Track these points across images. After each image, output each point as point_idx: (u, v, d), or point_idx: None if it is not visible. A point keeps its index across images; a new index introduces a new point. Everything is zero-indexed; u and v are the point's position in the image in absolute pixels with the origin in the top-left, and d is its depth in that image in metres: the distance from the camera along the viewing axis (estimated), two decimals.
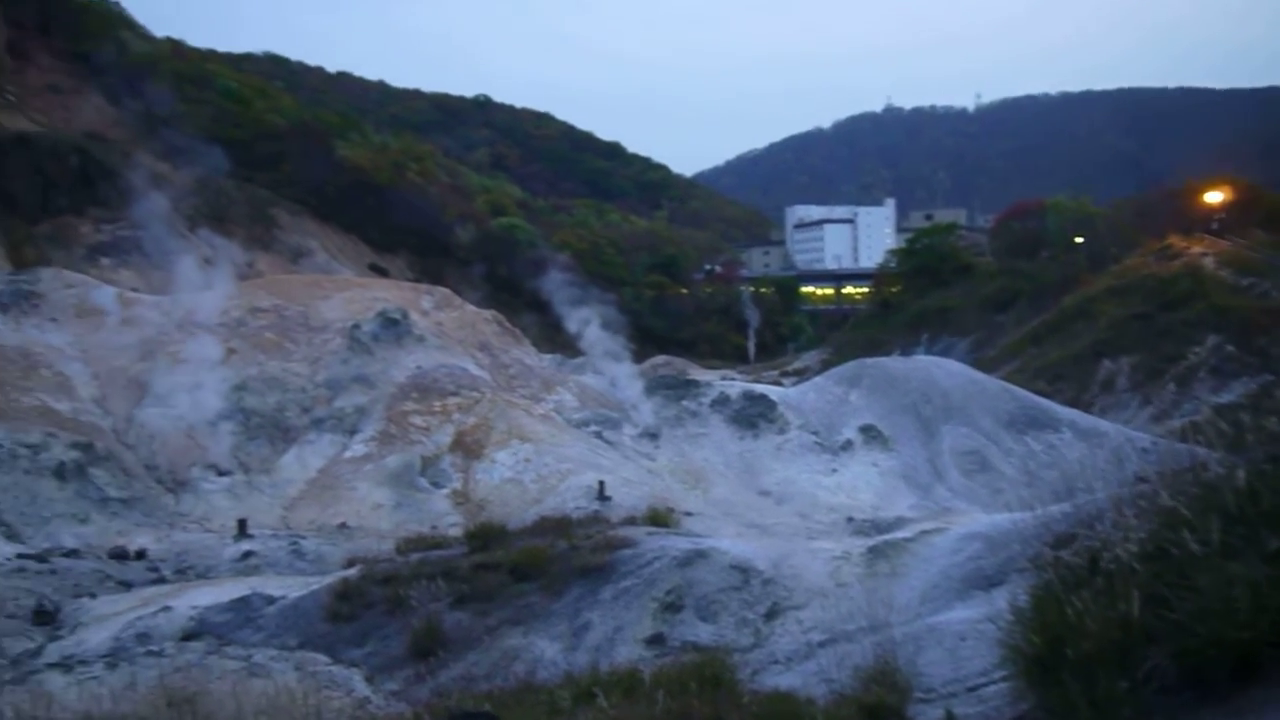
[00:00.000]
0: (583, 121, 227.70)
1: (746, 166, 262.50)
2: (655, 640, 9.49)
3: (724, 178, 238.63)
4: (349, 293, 31.80)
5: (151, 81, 64.32)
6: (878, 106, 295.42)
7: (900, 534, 11.09)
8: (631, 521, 13.52)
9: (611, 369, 32.80)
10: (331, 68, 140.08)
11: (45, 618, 12.51)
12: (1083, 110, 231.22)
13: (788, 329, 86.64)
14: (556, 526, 12.85)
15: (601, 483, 21.76)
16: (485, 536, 12.27)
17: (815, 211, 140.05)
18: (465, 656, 9.53)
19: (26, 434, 20.94)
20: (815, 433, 28.32)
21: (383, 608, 10.57)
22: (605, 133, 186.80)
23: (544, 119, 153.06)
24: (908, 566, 9.65)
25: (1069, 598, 4.00)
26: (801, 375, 52.71)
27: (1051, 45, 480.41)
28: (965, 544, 9.46)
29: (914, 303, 66.33)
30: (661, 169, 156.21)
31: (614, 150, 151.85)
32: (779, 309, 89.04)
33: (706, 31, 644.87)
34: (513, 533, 12.78)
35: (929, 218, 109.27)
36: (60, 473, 20.33)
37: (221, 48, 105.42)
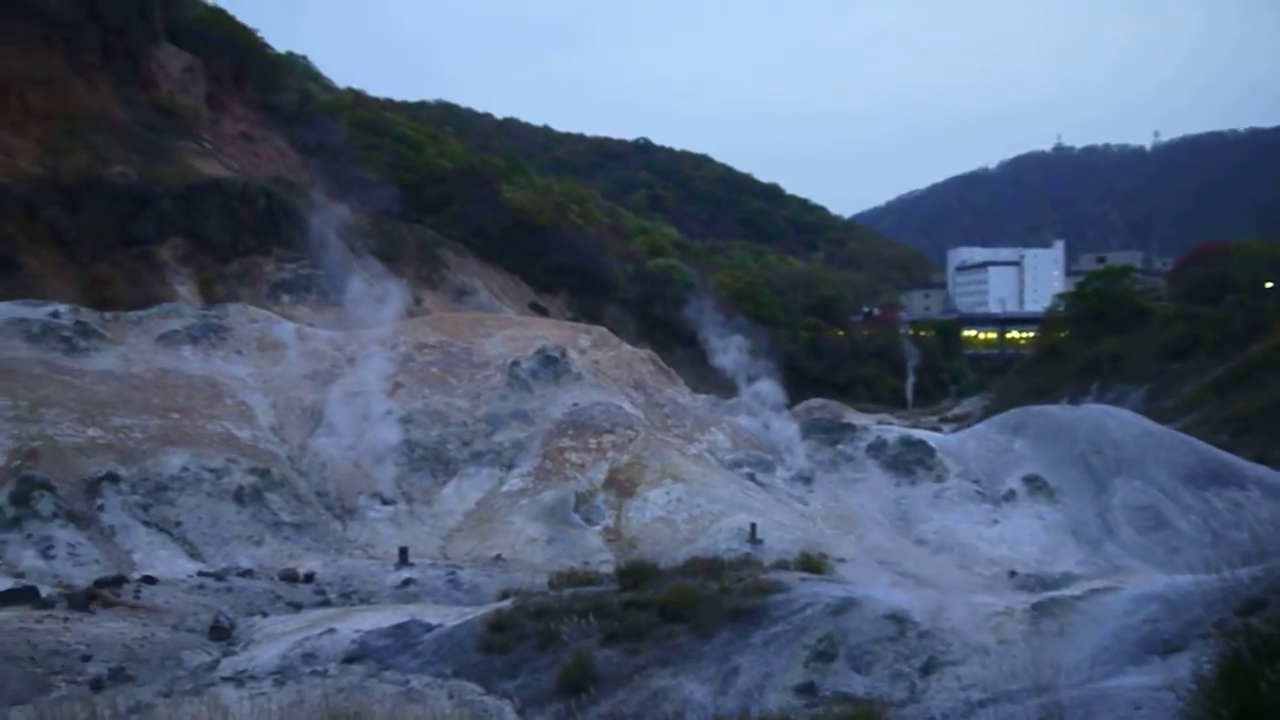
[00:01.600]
0: (741, 163, 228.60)
1: (908, 207, 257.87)
2: (806, 689, 9.28)
3: (884, 219, 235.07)
4: (510, 331, 32.67)
5: (333, 128, 68.24)
6: (1047, 145, 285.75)
7: (1068, 591, 10.55)
8: (783, 566, 13.33)
9: (765, 411, 32.56)
10: (499, 114, 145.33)
11: (221, 633, 13.19)
12: (1274, 148, 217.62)
13: (948, 374, 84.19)
14: (707, 568, 12.76)
15: (753, 525, 21.55)
16: (636, 575, 12.30)
17: (979, 253, 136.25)
18: (614, 694, 9.54)
19: (210, 459, 22.29)
20: (976, 481, 27.36)
21: (535, 641, 10.70)
22: (763, 174, 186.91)
23: (702, 161, 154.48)
24: (1076, 626, 9.15)
25: (1262, 670, 3.70)
26: (962, 422, 51.09)
27: (1239, 79, 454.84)
28: (1140, 605, 8.92)
29: (1084, 349, 63.40)
30: (819, 210, 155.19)
31: (772, 191, 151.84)
32: (939, 353, 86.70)
33: (869, 71, 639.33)
34: (664, 572, 12.76)
35: (1101, 260, 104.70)
36: (239, 496, 21.53)
37: (398, 96, 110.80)
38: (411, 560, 19.19)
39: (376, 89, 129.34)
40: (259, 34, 75.16)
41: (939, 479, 27.59)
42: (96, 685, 10.34)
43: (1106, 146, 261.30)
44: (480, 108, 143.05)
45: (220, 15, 72.53)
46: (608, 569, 16.45)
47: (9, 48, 52.13)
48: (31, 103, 51.50)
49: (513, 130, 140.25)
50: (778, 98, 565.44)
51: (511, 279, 71.05)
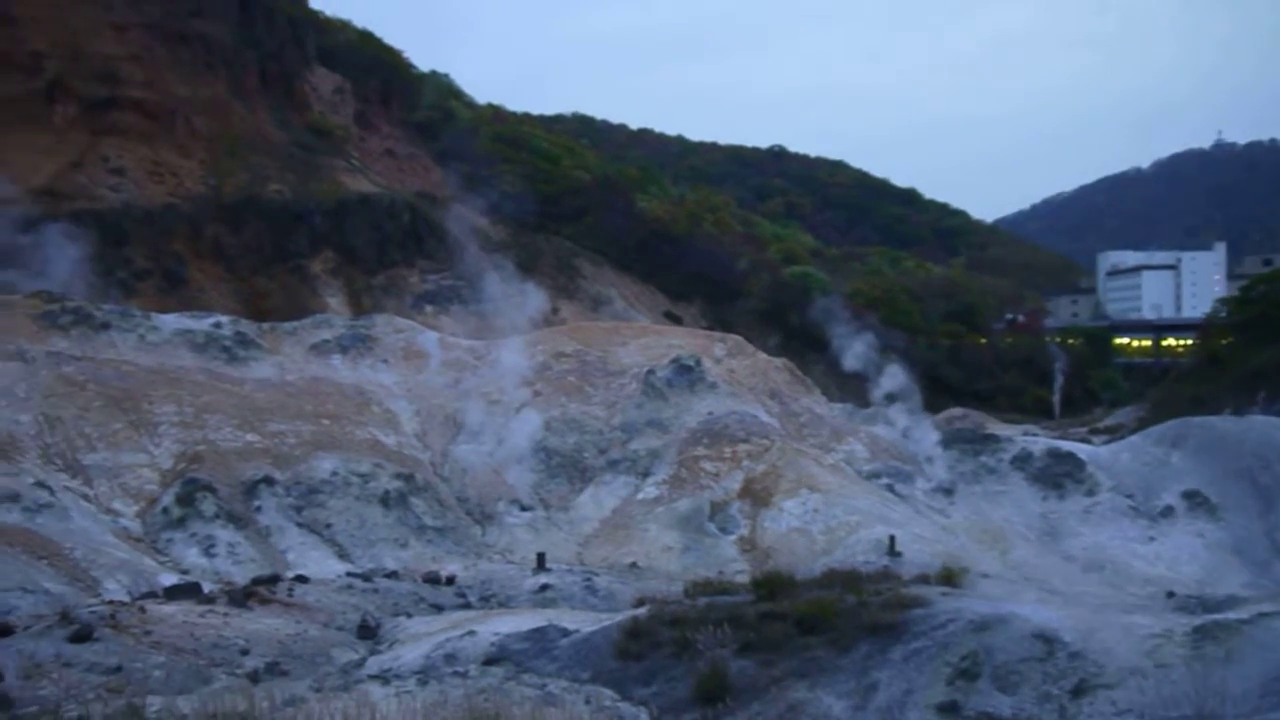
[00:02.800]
0: (877, 168, 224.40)
1: (1054, 210, 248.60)
2: (948, 708, 9.01)
3: (1028, 222, 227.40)
4: (645, 339, 32.88)
5: (474, 143, 70.17)
6: (1206, 142, 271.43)
7: (1234, 614, 9.94)
8: (924, 580, 12.97)
9: (904, 420, 31.86)
10: (634, 125, 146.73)
11: (368, 632, 13.66)
12: None
13: (1098, 383, 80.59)
14: (845, 580, 12.54)
15: (892, 537, 21.11)
16: (772, 585, 12.17)
17: (1131, 257, 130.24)
18: (750, 705, 9.46)
19: (358, 464, 23.15)
20: (1130, 496, 26.14)
21: (670, 649, 10.70)
22: (900, 179, 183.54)
23: (837, 167, 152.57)
24: (1243, 652, 8.61)
25: None
26: (1114, 434, 48.86)
27: None
28: None
29: (1248, 357, 59.68)
30: (960, 214, 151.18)
31: (909, 196, 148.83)
32: (1088, 361, 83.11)
33: (1012, 71, 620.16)
34: (800, 583, 12.60)
35: (1268, 263, 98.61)
36: (385, 500, 22.29)
37: (535, 110, 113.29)
38: (549, 565, 19.48)
39: (515, 104, 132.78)
40: (404, 54, 77.96)
41: (1089, 493, 26.47)
42: (254, 678, 10.84)
43: (1273, 141, 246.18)
44: (615, 119, 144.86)
45: (368, 38, 75.55)
46: (743, 579, 16.34)
47: (176, 75, 55.51)
48: (196, 126, 54.74)
49: (647, 141, 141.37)
50: (916, 101, 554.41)
51: (646, 288, 71.60)
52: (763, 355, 34.81)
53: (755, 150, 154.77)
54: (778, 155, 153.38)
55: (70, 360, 23.97)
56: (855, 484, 25.77)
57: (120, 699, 8.71)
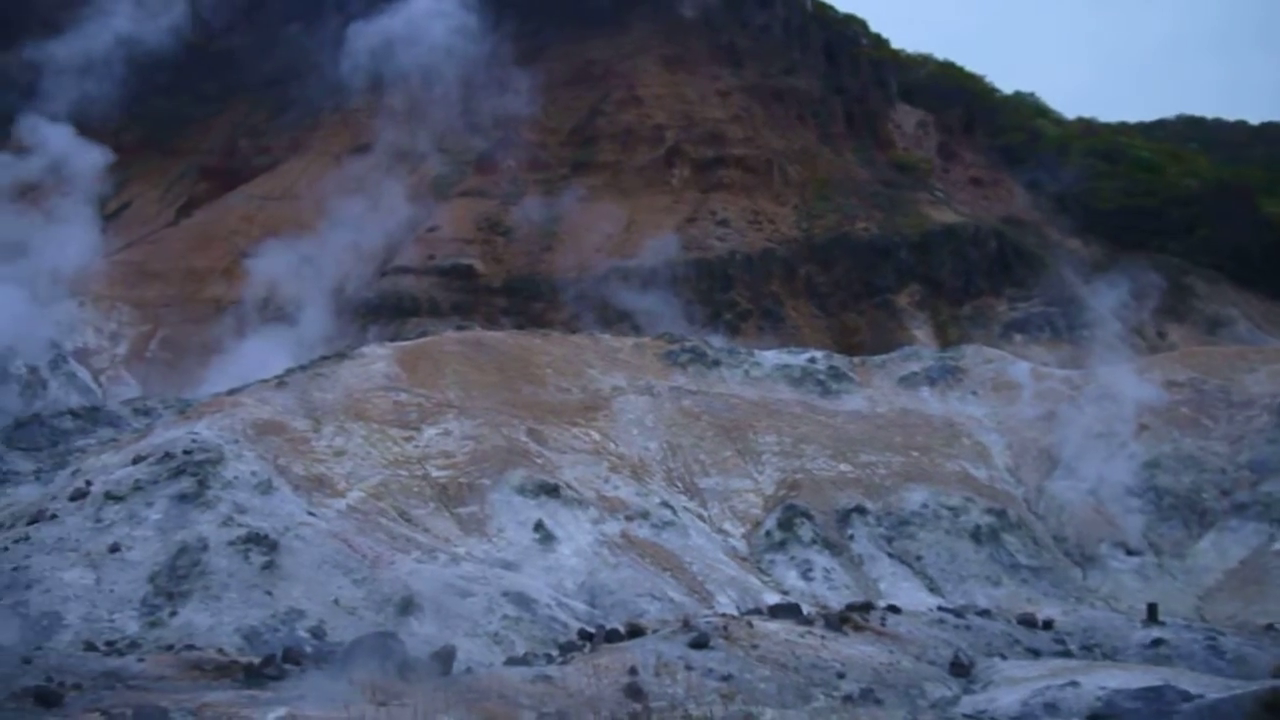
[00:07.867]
0: None
1: None
2: None
3: None
4: (1277, 365, 28.66)
5: (1063, 162, 66.60)
6: None
7: None
8: None
9: None
10: (1254, 119, 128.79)
11: (961, 670, 13.40)
12: None
13: None
14: None
15: None
16: None
17: None
18: None
19: (948, 497, 23.02)
20: None
21: None
22: None
23: None
24: None
25: None
26: None
27: None
28: None
29: None
30: None
31: None
32: None
33: None
34: None
35: None
36: (976, 535, 21.89)
37: (1132, 118, 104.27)
38: (1161, 618, 17.60)
39: (1109, 114, 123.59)
40: (987, 79, 76.65)
41: None
42: (850, 702, 11.17)
43: None
44: (1230, 115, 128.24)
45: (949, 68, 75.55)
46: None
47: (772, 130, 60.35)
48: (790, 175, 58.83)
49: (1273, 135, 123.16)
50: None
51: (1276, 305, 62.20)
52: None
53: None
54: None
55: (687, 394, 26.91)
56: None
57: (734, 705, 9.50)
